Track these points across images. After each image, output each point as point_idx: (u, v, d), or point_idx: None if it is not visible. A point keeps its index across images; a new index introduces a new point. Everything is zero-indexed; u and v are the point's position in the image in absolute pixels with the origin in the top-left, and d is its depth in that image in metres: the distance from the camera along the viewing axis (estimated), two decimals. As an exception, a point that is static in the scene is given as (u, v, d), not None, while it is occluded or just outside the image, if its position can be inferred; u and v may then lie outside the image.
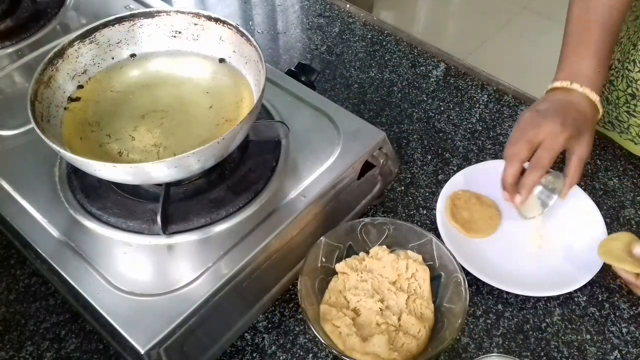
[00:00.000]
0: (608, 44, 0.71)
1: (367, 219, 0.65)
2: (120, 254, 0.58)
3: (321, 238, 0.62)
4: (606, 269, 0.67)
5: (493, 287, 0.66)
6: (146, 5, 0.85)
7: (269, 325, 0.64)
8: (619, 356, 0.62)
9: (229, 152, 0.58)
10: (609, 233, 0.68)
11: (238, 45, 0.66)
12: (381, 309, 0.59)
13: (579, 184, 0.73)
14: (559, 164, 0.73)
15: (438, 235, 0.67)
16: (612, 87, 0.81)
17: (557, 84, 0.71)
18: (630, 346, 0.63)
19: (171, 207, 0.59)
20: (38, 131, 0.54)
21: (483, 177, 0.74)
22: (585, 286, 0.66)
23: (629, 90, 0.78)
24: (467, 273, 0.63)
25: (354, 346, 0.56)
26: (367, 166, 0.67)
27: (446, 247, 0.62)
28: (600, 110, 0.71)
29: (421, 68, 0.95)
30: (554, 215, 0.72)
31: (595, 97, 0.69)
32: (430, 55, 0.97)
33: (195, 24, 0.68)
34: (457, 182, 0.75)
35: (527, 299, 0.66)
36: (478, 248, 0.69)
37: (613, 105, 0.81)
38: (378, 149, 0.68)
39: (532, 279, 0.66)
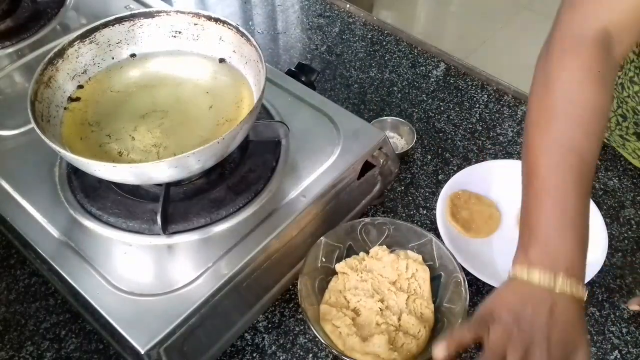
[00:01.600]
0: (581, 203, 0.54)
1: (367, 219, 0.65)
2: (120, 254, 0.57)
3: (321, 238, 0.62)
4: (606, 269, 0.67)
5: (493, 287, 0.66)
6: (146, 5, 0.85)
7: (269, 325, 0.64)
8: (619, 356, 0.62)
9: (229, 152, 0.58)
10: (609, 233, 0.68)
11: (238, 45, 0.66)
12: (381, 309, 0.59)
13: None
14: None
15: (438, 235, 0.67)
16: None
17: (536, 275, 0.51)
18: (630, 346, 0.63)
19: (171, 207, 0.59)
20: (38, 131, 0.54)
21: (483, 177, 0.75)
22: (585, 286, 0.66)
23: (620, 111, 0.77)
24: (467, 273, 0.63)
25: (354, 346, 0.56)
26: (367, 166, 0.67)
27: (446, 247, 0.62)
28: (584, 301, 0.53)
29: (421, 68, 0.95)
30: None
31: (582, 291, 0.52)
32: (430, 55, 0.97)
33: (195, 24, 0.68)
34: (457, 182, 0.75)
35: (527, 299, 0.66)
36: (478, 248, 0.69)
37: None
38: (378, 149, 0.68)
39: None
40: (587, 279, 0.65)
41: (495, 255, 0.69)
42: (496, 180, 0.71)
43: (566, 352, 0.49)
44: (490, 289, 0.67)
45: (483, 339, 0.50)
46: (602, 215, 0.70)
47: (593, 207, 0.71)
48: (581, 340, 0.50)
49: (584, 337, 0.50)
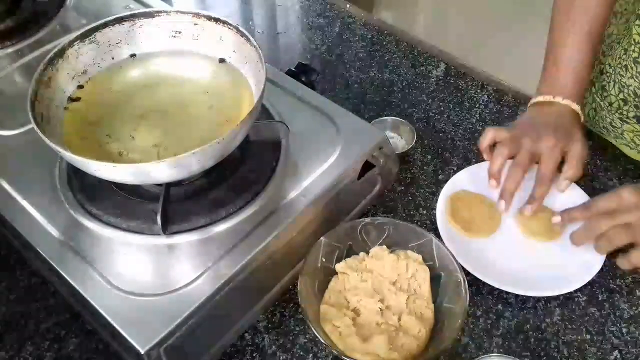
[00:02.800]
0: (587, 55, 0.75)
1: (367, 219, 0.65)
2: (120, 254, 0.58)
3: (321, 238, 0.62)
4: (606, 269, 0.67)
5: (493, 287, 0.66)
6: (146, 5, 0.85)
7: (269, 325, 0.64)
8: (619, 356, 0.62)
9: (229, 152, 0.58)
10: None
11: (238, 45, 0.66)
12: (381, 309, 0.59)
13: (579, 184, 0.73)
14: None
15: (438, 235, 0.67)
16: (605, 92, 0.81)
17: (541, 98, 0.76)
18: (630, 346, 0.63)
19: (171, 207, 0.59)
20: (38, 131, 0.54)
21: (483, 177, 0.74)
22: (585, 286, 0.66)
23: (621, 96, 0.78)
24: (467, 273, 0.63)
25: (354, 346, 0.56)
26: (367, 166, 0.67)
27: (446, 247, 0.62)
28: (582, 116, 0.75)
29: (421, 68, 0.95)
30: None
31: (577, 107, 0.75)
32: (430, 55, 0.97)
33: (195, 24, 0.68)
34: (457, 182, 0.75)
35: (527, 299, 0.66)
36: (478, 248, 0.69)
37: (606, 111, 0.81)
38: (378, 149, 0.68)
39: (532, 278, 0.66)
40: (588, 279, 0.65)
41: (495, 255, 0.69)
42: (483, 153, 0.72)
43: (567, 140, 0.70)
44: (490, 289, 0.67)
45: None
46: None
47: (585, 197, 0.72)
48: (577, 136, 0.71)
49: (579, 134, 0.72)
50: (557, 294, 0.65)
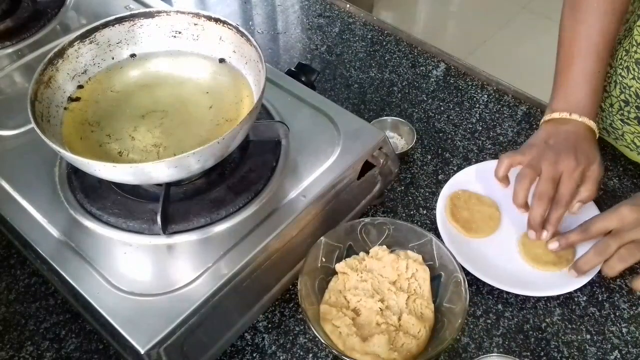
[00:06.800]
0: (600, 68, 0.73)
1: (367, 219, 0.65)
2: (120, 254, 0.58)
3: (321, 238, 0.62)
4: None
5: (493, 287, 0.66)
6: (146, 5, 0.85)
7: (269, 325, 0.64)
8: (619, 356, 0.62)
9: (229, 152, 0.58)
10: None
11: (238, 45, 0.66)
12: (381, 309, 0.59)
13: None
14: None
15: (438, 235, 0.67)
16: (606, 93, 0.81)
17: (557, 115, 0.73)
18: (630, 346, 0.63)
19: (171, 207, 0.59)
20: (38, 131, 0.54)
21: (483, 177, 0.75)
22: (585, 286, 0.66)
23: (622, 97, 0.78)
24: (467, 273, 0.63)
25: (354, 346, 0.56)
26: (367, 166, 0.67)
27: (446, 247, 0.62)
28: (597, 133, 0.73)
29: (421, 68, 0.95)
30: None
31: (593, 125, 0.72)
32: (430, 55, 0.97)
33: (195, 24, 0.68)
34: (457, 182, 0.75)
35: (527, 298, 0.66)
36: (478, 248, 0.69)
37: (607, 112, 0.81)
38: (378, 149, 0.68)
39: (531, 278, 0.66)
40: (587, 279, 0.65)
41: (495, 255, 0.69)
42: (496, 180, 0.71)
43: (587, 162, 0.68)
44: (490, 289, 0.67)
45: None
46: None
47: (592, 206, 0.72)
48: (596, 157, 0.69)
49: (598, 155, 0.70)
50: (557, 293, 0.65)
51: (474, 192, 0.74)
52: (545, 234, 0.67)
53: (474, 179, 0.75)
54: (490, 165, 0.76)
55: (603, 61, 0.73)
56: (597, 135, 0.73)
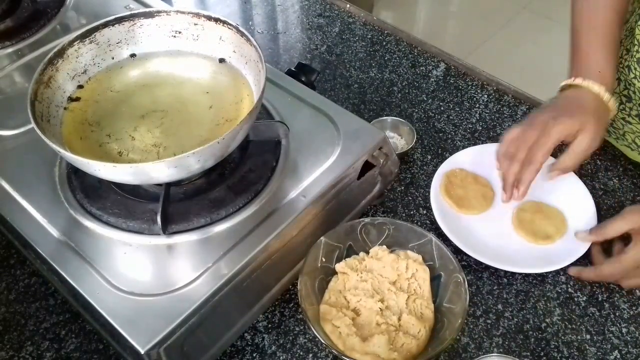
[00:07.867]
0: (615, 39, 0.72)
1: (367, 219, 0.65)
2: (120, 254, 0.57)
3: (321, 238, 0.62)
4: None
5: (493, 287, 0.66)
6: (146, 5, 0.85)
7: (269, 325, 0.64)
8: (619, 356, 0.62)
9: (229, 152, 0.58)
10: (598, 217, 0.70)
11: (238, 45, 0.66)
12: (381, 309, 0.59)
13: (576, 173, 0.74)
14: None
15: (438, 235, 0.67)
16: None
17: (565, 82, 0.72)
18: (630, 346, 0.63)
19: (171, 207, 0.59)
20: (38, 131, 0.54)
21: (482, 159, 0.76)
22: (585, 286, 0.66)
23: (625, 92, 0.78)
24: (457, 250, 0.65)
25: (354, 346, 0.56)
26: (367, 166, 0.67)
27: (445, 245, 0.62)
28: (609, 101, 0.70)
29: (421, 68, 0.95)
30: (546, 196, 0.73)
31: (599, 89, 0.69)
32: (430, 55, 0.97)
33: (195, 24, 0.68)
34: (456, 161, 0.76)
35: (527, 298, 0.66)
36: (468, 224, 0.71)
37: None
38: (378, 149, 0.68)
39: (520, 256, 0.68)
40: (576, 256, 0.67)
41: (484, 232, 0.71)
42: (495, 163, 0.73)
43: (579, 127, 0.65)
44: (490, 289, 0.67)
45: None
46: (602, 215, 0.71)
47: (583, 187, 0.73)
48: (590, 127, 0.66)
49: (593, 126, 0.66)
50: (546, 271, 0.66)
51: (470, 172, 0.75)
52: (515, 193, 0.68)
53: (473, 159, 0.77)
54: (490, 148, 0.76)
55: (619, 30, 0.72)
56: (610, 103, 0.70)
